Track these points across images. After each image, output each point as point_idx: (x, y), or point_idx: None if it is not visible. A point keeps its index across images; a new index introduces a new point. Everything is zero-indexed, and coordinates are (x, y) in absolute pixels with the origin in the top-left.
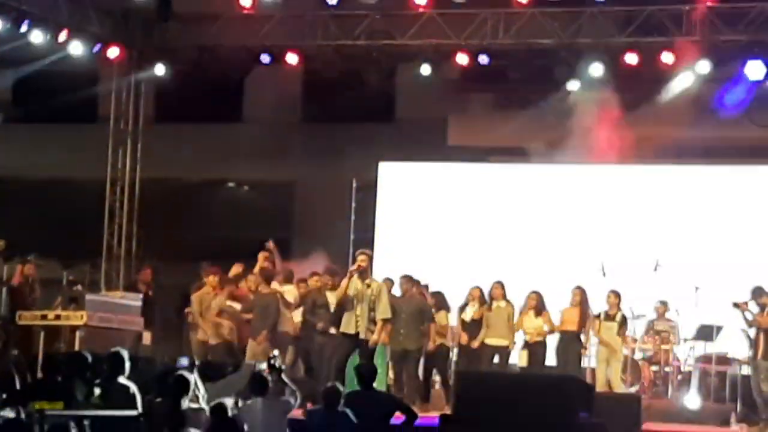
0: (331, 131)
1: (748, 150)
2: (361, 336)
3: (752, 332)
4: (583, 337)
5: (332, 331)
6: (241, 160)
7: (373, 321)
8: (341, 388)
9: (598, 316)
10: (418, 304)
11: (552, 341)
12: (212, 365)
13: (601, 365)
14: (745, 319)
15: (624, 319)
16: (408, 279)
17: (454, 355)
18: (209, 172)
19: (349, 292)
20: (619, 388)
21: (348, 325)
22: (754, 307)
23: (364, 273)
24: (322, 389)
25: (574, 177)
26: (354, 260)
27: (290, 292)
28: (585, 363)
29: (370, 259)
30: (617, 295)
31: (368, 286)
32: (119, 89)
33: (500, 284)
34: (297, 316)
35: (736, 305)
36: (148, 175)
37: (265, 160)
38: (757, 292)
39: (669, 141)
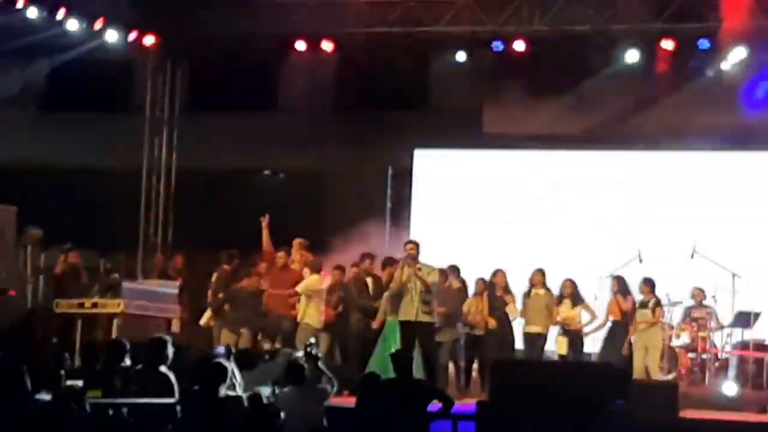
0: (366, 119)
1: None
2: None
3: None
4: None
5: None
6: (275, 148)
7: (426, 303)
8: (379, 375)
9: (634, 304)
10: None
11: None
12: (249, 353)
13: (639, 353)
14: None
15: (657, 306)
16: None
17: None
18: (244, 160)
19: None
20: (657, 375)
21: (406, 313)
22: None
23: (414, 261)
24: (360, 377)
25: (609, 164)
26: (403, 248)
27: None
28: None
29: (418, 247)
30: (649, 282)
31: (419, 269)
32: (154, 78)
33: (540, 271)
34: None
35: None
36: (184, 163)
37: (299, 148)
38: None
39: (704, 127)
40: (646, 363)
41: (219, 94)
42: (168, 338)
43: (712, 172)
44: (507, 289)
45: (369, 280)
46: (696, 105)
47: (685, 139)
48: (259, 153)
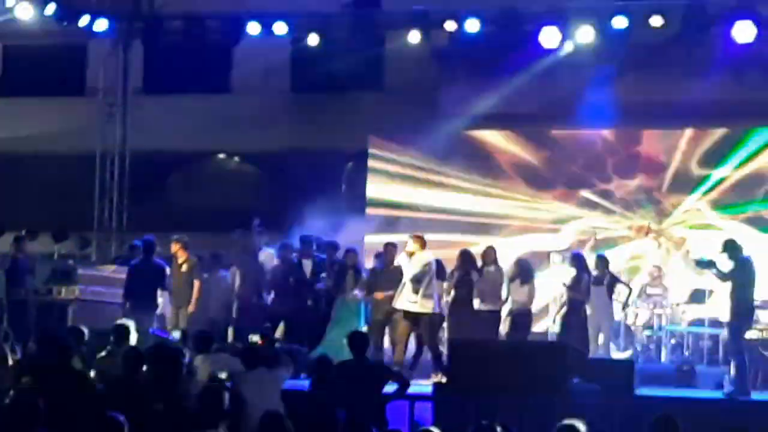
0: (321, 101)
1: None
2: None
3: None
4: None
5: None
6: (230, 131)
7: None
8: (331, 358)
9: (589, 282)
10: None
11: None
12: (205, 337)
13: (592, 330)
14: (717, 275)
15: (612, 283)
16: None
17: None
18: (199, 143)
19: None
20: (612, 353)
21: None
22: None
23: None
24: (312, 359)
25: (566, 141)
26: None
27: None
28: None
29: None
30: (603, 259)
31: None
32: (107, 61)
33: (492, 249)
34: None
35: (700, 263)
36: (138, 147)
37: (254, 130)
38: (728, 247)
39: (659, 105)
40: (600, 340)
41: (173, 77)
42: (130, 322)
43: (668, 147)
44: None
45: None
46: (649, 82)
47: (640, 117)
48: (213, 136)
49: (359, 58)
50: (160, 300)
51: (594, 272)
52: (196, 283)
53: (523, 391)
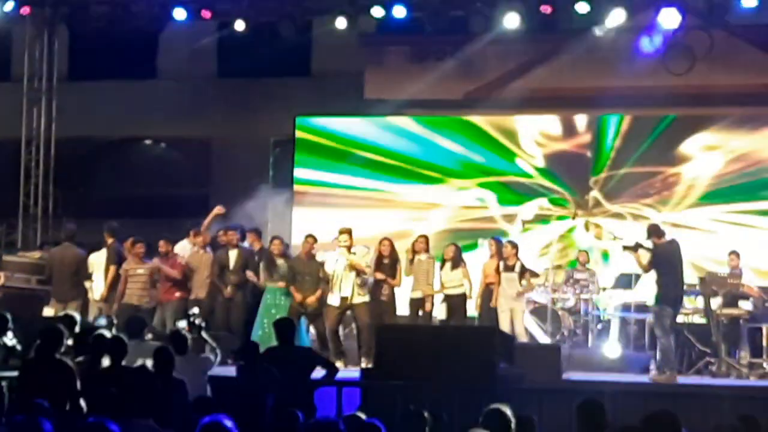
0: (247, 86)
1: (664, 98)
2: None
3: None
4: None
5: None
6: (157, 117)
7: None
8: (257, 343)
9: (498, 267)
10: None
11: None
12: (136, 323)
13: (504, 316)
14: (639, 262)
15: (523, 270)
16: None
17: None
18: (125, 129)
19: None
20: (525, 338)
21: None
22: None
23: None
24: (237, 346)
25: (490, 129)
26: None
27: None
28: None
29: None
30: (514, 245)
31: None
32: (32, 47)
33: (424, 237)
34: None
35: (626, 248)
36: (64, 133)
37: (181, 116)
38: (654, 231)
39: (586, 91)
40: (513, 326)
41: (99, 63)
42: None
43: (595, 134)
44: (394, 257)
45: (233, 253)
46: (576, 68)
47: (566, 102)
48: (140, 122)
49: (286, 43)
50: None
51: (505, 257)
52: (111, 269)
53: (450, 376)
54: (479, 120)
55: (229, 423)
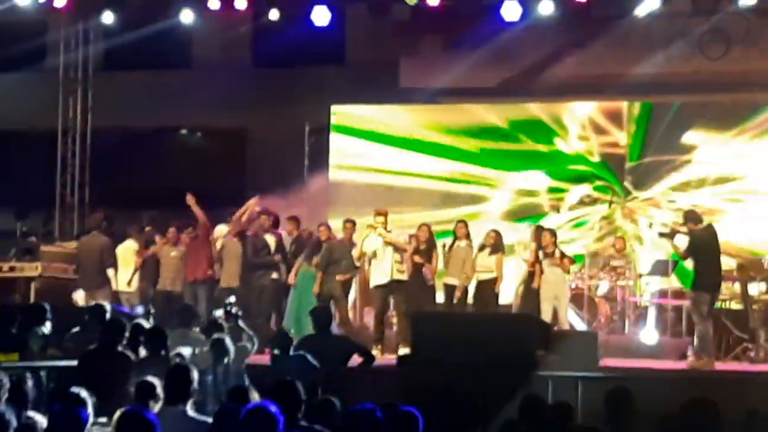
0: (282, 75)
1: (698, 84)
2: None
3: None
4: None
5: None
6: (192, 107)
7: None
8: (291, 332)
9: (537, 254)
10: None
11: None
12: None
13: (547, 304)
14: (676, 249)
15: (563, 256)
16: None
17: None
18: (160, 119)
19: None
20: (566, 325)
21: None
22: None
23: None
24: (273, 335)
25: (526, 115)
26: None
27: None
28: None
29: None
30: (553, 233)
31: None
32: (68, 37)
33: (464, 223)
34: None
35: (662, 235)
36: (100, 123)
37: (216, 106)
38: (691, 217)
39: (621, 78)
40: (557, 313)
41: (134, 53)
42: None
43: (631, 122)
44: (431, 243)
45: (269, 237)
46: (613, 54)
47: (601, 90)
48: (175, 112)
49: (320, 32)
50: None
51: (544, 245)
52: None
53: (487, 364)
54: (523, 106)
55: (273, 408)
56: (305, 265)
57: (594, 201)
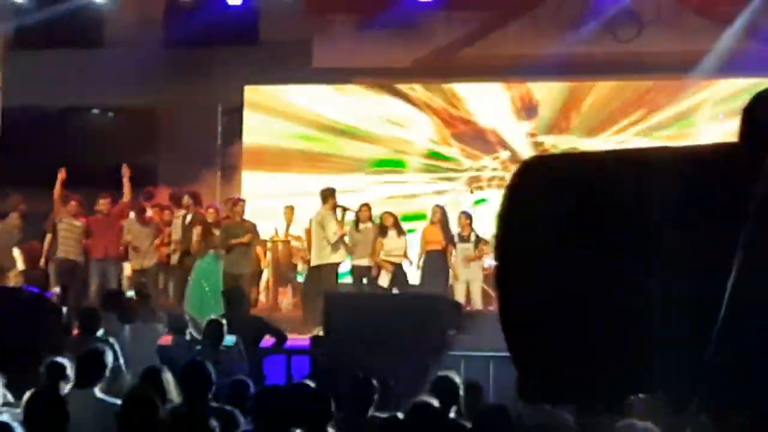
0: (196, 55)
1: (609, 65)
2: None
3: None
4: (449, 257)
5: None
6: (104, 86)
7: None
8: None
9: (452, 238)
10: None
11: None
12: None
13: (460, 286)
14: None
15: (478, 240)
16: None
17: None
18: (72, 98)
19: None
20: (480, 305)
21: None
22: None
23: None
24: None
25: (440, 95)
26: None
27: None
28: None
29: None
30: (468, 216)
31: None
32: None
33: (368, 206)
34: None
35: None
36: (9, 102)
37: (128, 85)
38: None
39: (534, 59)
40: (470, 295)
41: (45, 32)
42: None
43: (544, 101)
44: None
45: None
46: (524, 35)
47: (512, 70)
48: (87, 91)
49: (234, 11)
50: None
51: (457, 228)
52: None
53: (399, 344)
54: (426, 88)
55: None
56: (204, 246)
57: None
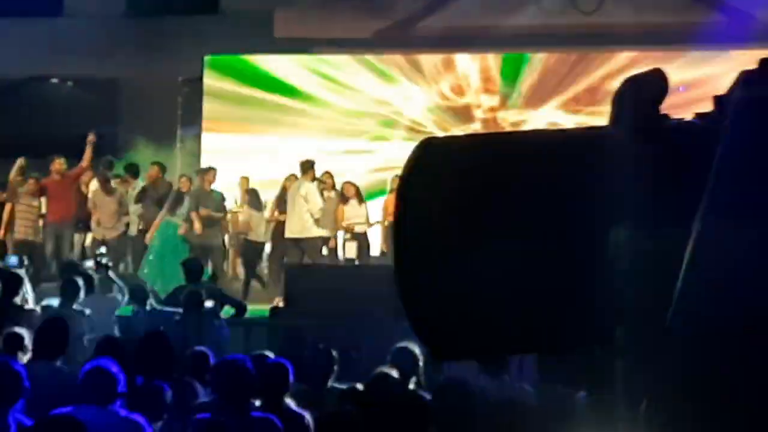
0: (156, 24)
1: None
2: None
3: None
4: None
5: None
6: (64, 55)
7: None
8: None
9: None
10: None
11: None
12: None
13: None
14: None
15: None
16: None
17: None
18: (31, 68)
19: None
20: None
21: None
22: None
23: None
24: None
25: (401, 66)
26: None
27: None
28: None
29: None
30: None
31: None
32: None
33: (329, 174)
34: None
35: None
36: None
37: (88, 55)
38: None
39: (496, 29)
40: None
41: (4, 1)
42: None
43: (507, 72)
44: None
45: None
46: (486, 6)
47: (475, 41)
48: (46, 60)
49: None
50: None
51: None
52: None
53: (360, 315)
54: (389, 59)
55: (114, 368)
56: (168, 216)
57: None
